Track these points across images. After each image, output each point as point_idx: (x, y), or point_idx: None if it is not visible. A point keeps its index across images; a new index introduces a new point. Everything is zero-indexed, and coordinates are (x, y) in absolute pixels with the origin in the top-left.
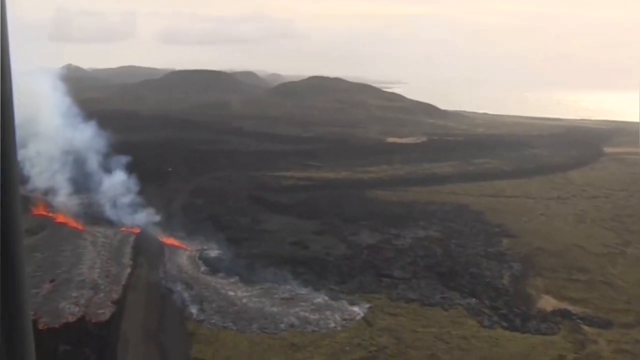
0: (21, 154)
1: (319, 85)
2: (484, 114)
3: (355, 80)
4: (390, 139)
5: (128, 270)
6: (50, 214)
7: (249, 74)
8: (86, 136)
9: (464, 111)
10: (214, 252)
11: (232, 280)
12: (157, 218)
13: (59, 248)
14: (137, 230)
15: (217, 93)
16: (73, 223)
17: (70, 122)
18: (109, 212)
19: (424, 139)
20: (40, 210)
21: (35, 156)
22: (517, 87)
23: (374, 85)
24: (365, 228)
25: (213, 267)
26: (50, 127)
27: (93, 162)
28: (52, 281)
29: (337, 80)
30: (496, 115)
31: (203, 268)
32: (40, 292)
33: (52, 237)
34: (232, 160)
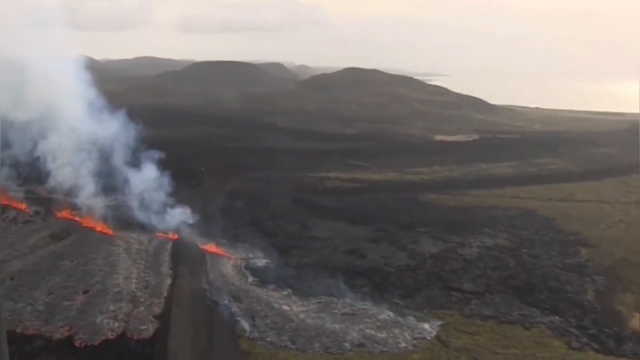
0: (41, 146)
1: (354, 78)
2: (537, 108)
3: (392, 72)
4: (438, 137)
5: (168, 280)
6: (76, 217)
7: (276, 66)
8: (113, 130)
9: (515, 106)
10: (261, 261)
11: (284, 292)
12: (195, 222)
13: (89, 255)
14: (174, 236)
15: (243, 86)
16: (102, 227)
17: (96, 114)
18: (141, 215)
19: (475, 136)
20: (65, 213)
21: (58, 149)
22: (569, 78)
23: (414, 77)
24: (425, 235)
25: (262, 277)
26: (73, 118)
27: (121, 159)
28: (85, 292)
29: (374, 72)
30: (551, 109)
31: (251, 279)
32: (73, 304)
33: (80, 243)
34: (268, 159)
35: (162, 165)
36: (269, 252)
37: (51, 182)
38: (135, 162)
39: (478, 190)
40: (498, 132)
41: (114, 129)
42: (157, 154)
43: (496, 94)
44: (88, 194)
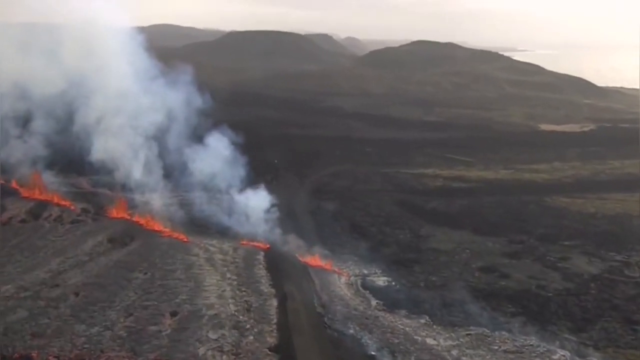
0: (84, 128)
1: (424, 53)
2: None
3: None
4: (545, 126)
5: (273, 302)
6: (136, 218)
7: (323, 37)
8: (176, 103)
9: (621, 88)
10: (380, 279)
11: (421, 321)
12: (284, 228)
13: (165, 267)
14: (265, 245)
15: (291, 60)
16: (170, 231)
17: (151, 86)
18: (217, 217)
19: (591, 126)
20: (120, 212)
21: (106, 133)
22: None
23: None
24: (574, 251)
25: (388, 300)
26: (126, 87)
27: (185, 146)
28: (173, 315)
29: (450, 46)
30: None
31: (374, 302)
32: (162, 329)
33: (149, 251)
34: (348, 150)
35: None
36: (386, 268)
37: (97, 173)
38: (202, 151)
39: (618, 193)
40: (617, 120)
41: (178, 102)
42: (224, 144)
43: (594, 73)
44: (148, 189)
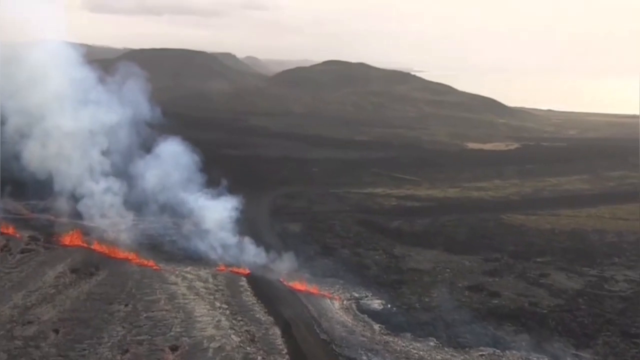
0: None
1: (338, 73)
2: (549, 110)
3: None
4: (472, 145)
5: (276, 330)
6: (94, 245)
7: (228, 56)
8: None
9: (522, 107)
10: (374, 302)
11: (430, 343)
12: (261, 251)
13: (146, 298)
14: (245, 271)
15: (199, 79)
16: (136, 258)
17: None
18: (181, 240)
19: (515, 144)
20: (73, 239)
21: (48, 153)
22: (559, 75)
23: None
24: (549, 267)
25: (389, 324)
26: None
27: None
28: (174, 349)
29: (362, 66)
30: (567, 112)
31: (376, 326)
32: None
33: (121, 281)
34: (292, 170)
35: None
36: (374, 290)
37: (34, 197)
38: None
39: (565, 209)
40: (537, 139)
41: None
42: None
43: (498, 94)
44: (99, 212)
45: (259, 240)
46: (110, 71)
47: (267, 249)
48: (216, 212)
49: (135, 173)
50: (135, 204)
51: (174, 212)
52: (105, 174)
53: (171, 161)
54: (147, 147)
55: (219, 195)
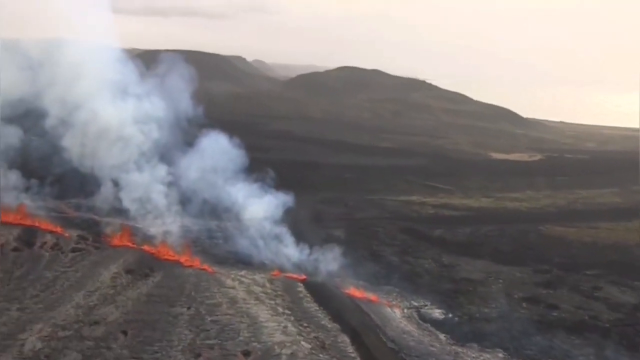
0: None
1: (353, 79)
2: (562, 122)
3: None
4: (496, 155)
5: (345, 338)
6: (144, 246)
7: (238, 59)
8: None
9: (534, 118)
10: (435, 312)
11: (500, 355)
12: (311, 256)
13: (207, 302)
14: (300, 276)
15: (213, 82)
16: (189, 260)
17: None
18: (232, 244)
19: (538, 155)
20: (122, 240)
21: (95, 152)
22: (558, 87)
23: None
24: (601, 280)
25: (454, 334)
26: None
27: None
28: (246, 355)
29: (376, 73)
30: (579, 124)
31: (442, 336)
32: None
33: (178, 284)
34: (323, 177)
35: None
36: (432, 299)
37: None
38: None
39: (602, 222)
40: (558, 151)
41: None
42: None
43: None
44: (144, 212)
45: (306, 246)
46: (152, 66)
47: (317, 254)
48: (263, 213)
49: (179, 170)
50: (181, 202)
51: (220, 211)
52: (149, 171)
53: (215, 157)
54: (189, 143)
55: (264, 194)
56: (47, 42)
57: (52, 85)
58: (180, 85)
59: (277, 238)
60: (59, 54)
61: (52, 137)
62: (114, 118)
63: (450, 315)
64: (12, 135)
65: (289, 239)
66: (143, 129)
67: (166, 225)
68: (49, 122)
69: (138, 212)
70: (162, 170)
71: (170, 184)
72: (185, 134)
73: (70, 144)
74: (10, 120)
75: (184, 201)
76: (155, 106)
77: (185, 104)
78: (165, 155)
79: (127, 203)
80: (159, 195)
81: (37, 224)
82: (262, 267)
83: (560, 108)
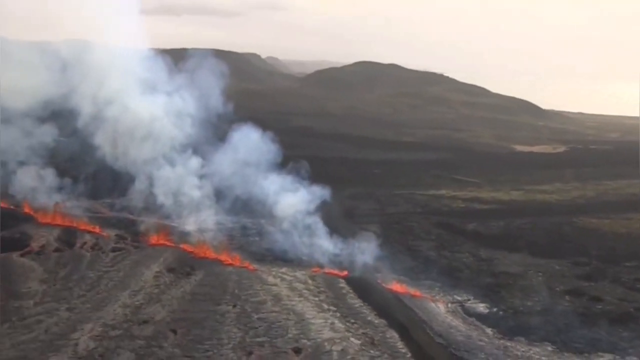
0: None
1: (370, 74)
2: (580, 113)
3: None
4: (520, 147)
5: (393, 334)
6: (183, 245)
7: (254, 57)
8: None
9: (553, 110)
10: (479, 306)
11: (548, 348)
12: (350, 252)
13: (252, 299)
14: (342, 272)
15: (232, 79)
16: (228, 258)
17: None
18: (267, 240)
19: (561, 147)
20: (159, 239)
21: (128, 152)
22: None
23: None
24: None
25: (500, 327)
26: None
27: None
28: (297, 352)
29: (393, 67)
30: (598, 115)
31: (489, 330)
32: None
33: (221, 282)
34: (351, 172)
35: None
36: (475, 293)
37: (113, 193)
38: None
39: (635, 213)
40: (581, 142)
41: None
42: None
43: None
44: (179, 210)
45: (343, 241)
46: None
47: (354, 250)
48: (297, 208)
49: (212, 165)
50: (215, 198)
51: (254, 207)
52: (182, 167)
53: (248, 152)
54: (220, 138)
55: (298, 189)
56: (77, 44)
57: (82, 84)
58: (209, 82)
59: (313, 233)
60: (89, 54)
61: (84, 136)
62: (145, 114)
63: (494, 309)
64: (45, 135)
65: (324, 235)
66: (174, 124)
67: (201, 223)
68: (81, 121)
69: (172, 210)
70: (195, 165)
71: (203, 180)
72: (216, 129)
73: (102, 141)
74: (43, 119)
75: (218, 197)
76: (186, 102)
77: (215, 100)
78: (197, 150)
79: (162, 200)
80: (193, 192)
81: (75, 224)
82: (301, 263)
83: (577, 99)
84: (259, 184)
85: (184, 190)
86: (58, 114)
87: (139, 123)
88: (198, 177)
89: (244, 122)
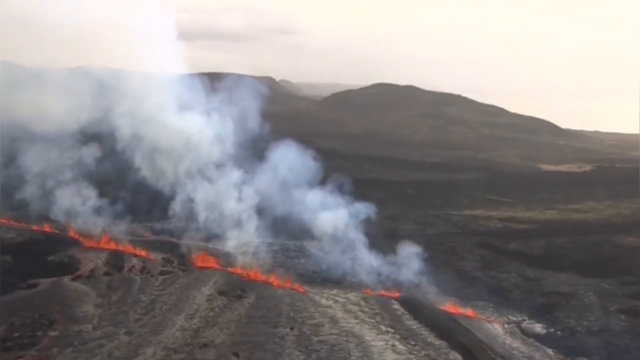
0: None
1: (388, 96)
2: (597, 132)
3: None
4: (546, 167)
5: (456, 355)
6: (231, 268)
7: (269, 80)
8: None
9: (570, 129)
10: (536, 327)
11: None
12: (399, 273)
13: (308, 322)
14: (393, 293)
15: (251, 102)
16: (277, 281)
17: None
18: (312, 261)
19: (587, 166)
20: (206, 261)
21: (173, 175)
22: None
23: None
24: None
25: (561, 348)
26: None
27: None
28: None
29: (410, 88)
30: (615, 133)
31: (550, 351)
32: None
33: (274, 305)
34: (385, 193)
35: None
36: (528, 314)
37: (154, 216)
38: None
39: None
40: (606, 160)
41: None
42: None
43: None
44: (221, 233)
45: (389, 261)
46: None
47: (402, 270)
48: (340, 227)
49: (252, 185)
50: (257, 219)
51: (297, 227)
52: (222, 188)
53: (288, 170)
54: (259, 157)
55: (339, 207)
56: (113, 69)
57: (120, 106)
58: (245, 104)
59: (359, 254)
60: (126, 79)
61: (123, 157)
62: (183, 134)
63: (551, 330)
64: (86, 157)
65: (370, 255)
66: (213, 144)
67: (244, 245)
68: (120, 143)
69: (214, 232)
70: (235, 186)
71: (244, 200)
72: (255, 149)
73: (141, 162)
74: (84, 142)
75: (259, 217)
76: (224, 123)
77: (252, 121)
78: (237, 170)
79: (203, 222)
80: (234, 212)
81: (120, 248)
82: (351, 285)
83: (593, 117)
84: (299, 203)
85: (225, 211)
86: (98, 137)
87: (177, 143)
88: (239, 197)
89: (281, 140)
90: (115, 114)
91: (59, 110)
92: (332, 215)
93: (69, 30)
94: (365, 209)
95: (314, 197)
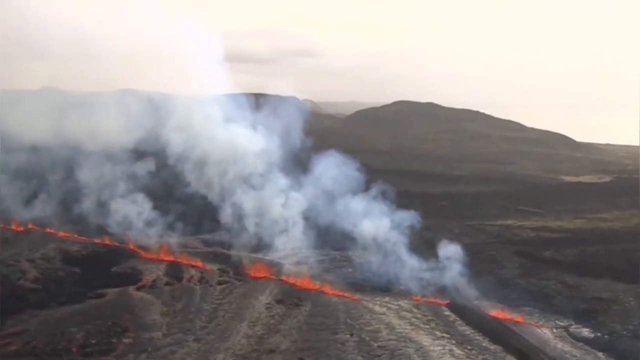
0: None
1: (409, 112)
2: (608, 144)
3: None
4: (567, 178)
5: (512, 359)
6: (285, 278)
7: (292, 99)
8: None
9: (584, 141)
10: (583, 331)
11: None
12: (442, 277)
13: (366, 328)
14: (443, 300)
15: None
16: (331, 289)
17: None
18: (359, 270)
19: (607, 177)
20: (260, 272)
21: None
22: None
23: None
24: None
25: (611, 352)
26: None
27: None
28: None
29: (431, 105)
30: (625, 145)
31: (600, 354)
32: None
33: (330, 312)
34: (419, 205)
35: None
36: (573, 319)
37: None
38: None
39: None
40: (625, 172)
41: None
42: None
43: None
44: (271, 244)
45: (434, 270)
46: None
47: (448, 278)
48: (385, 236)
49: (299, 197)
50: (304, 230)
51: (343, 237)
52: (270, 200)
53: (332, 182)
54: (303, 170)
55: (383, 216)
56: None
57: (171, 123)
58: (289, 121)
59: (405, 261)
60: (176, 97)
61: (174, 172)
62: (231, 146)
63: (598, 334)
64: (139, 171)
65: (416, 263)
66: (260, 157)
67: (294, 255)
68: (171, 159)
69: (264, 243)
70: (282, 198)
71: (291, 211)
72: (298, 162)
73: (192, 176)
74: (137, 157)
75: (306, 227)
76: (269, 138)
77: (295, 136)
78: (283, 182)
79: (252, 233)
80: (282, 223)
81: (178, 259)
82: (400, 292)
83: (605, 131)
84: (344, 213)
85: (272, 216)
86: (151, 153)
87: (225, 154)
88: (285, 203)
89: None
90: (166, 131)
91: (108, 129)
92: (376, 223)
93: (118, 56)
94: (409, 216)
95: (358, 205)
